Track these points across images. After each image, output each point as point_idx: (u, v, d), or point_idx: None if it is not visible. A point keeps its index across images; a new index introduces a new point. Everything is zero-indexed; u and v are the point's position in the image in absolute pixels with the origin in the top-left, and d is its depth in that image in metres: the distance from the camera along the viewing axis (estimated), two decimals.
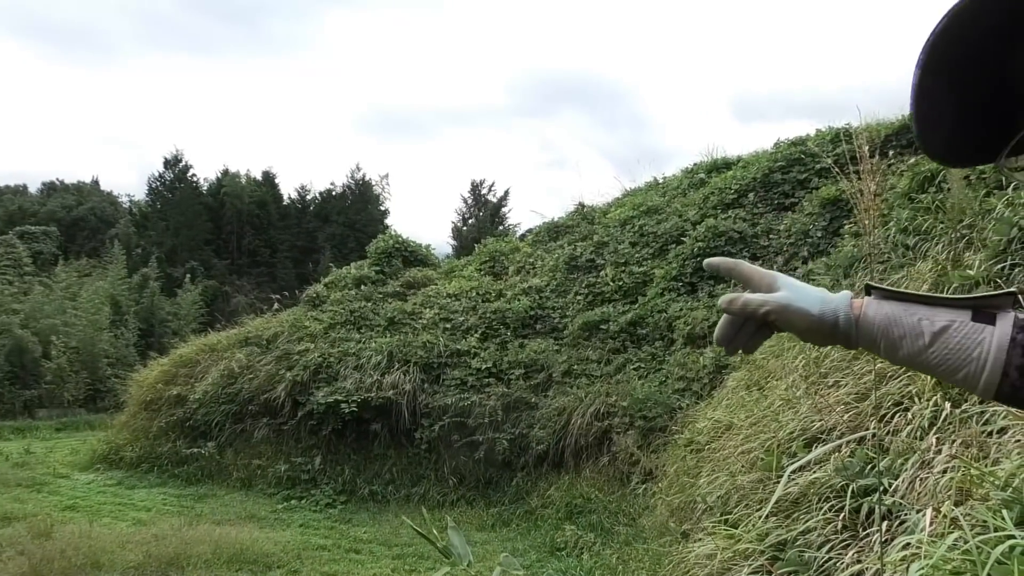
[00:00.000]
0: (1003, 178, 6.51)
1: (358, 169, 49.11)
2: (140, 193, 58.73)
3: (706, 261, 1.05)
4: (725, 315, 0.98)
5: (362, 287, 16.02)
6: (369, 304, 15.20)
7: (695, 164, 16.93)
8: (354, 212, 48.34)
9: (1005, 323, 0.85)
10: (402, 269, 16.94)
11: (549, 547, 8.68)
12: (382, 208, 49.94)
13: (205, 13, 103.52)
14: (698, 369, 10.01)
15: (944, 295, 0.89)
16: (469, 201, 41.56)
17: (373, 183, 49.64)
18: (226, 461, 13.08)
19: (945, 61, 0.54)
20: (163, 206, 48.98)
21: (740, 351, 0.99)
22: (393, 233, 19.36)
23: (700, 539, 5.04)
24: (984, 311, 0.86)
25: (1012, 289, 0.87)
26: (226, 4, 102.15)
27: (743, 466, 5.73)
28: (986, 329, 0.85)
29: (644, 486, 8.83)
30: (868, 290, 0.93)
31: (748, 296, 0.94)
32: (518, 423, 11.84)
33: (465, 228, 38.58)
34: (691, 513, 6.26)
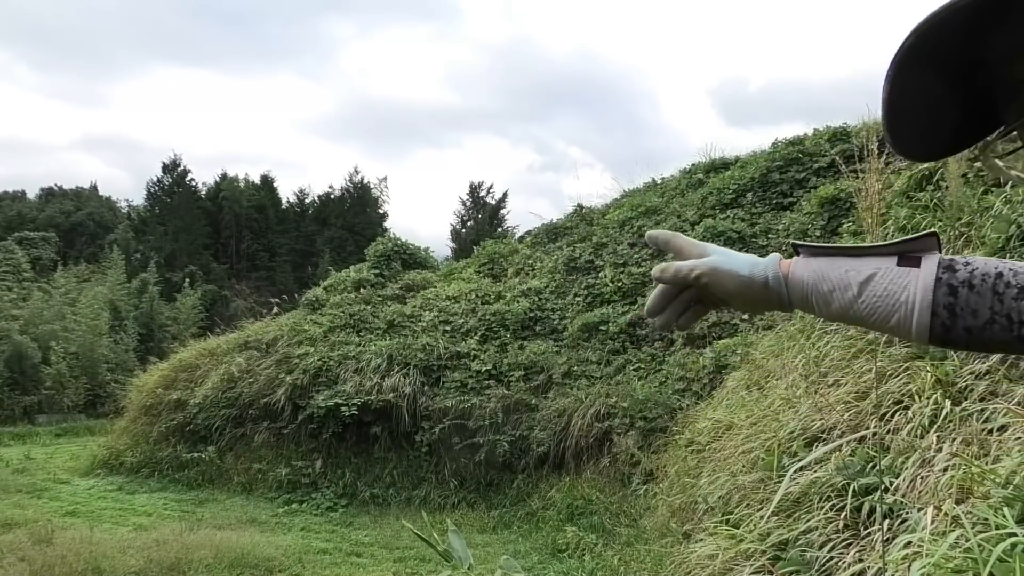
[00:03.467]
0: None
1: (356, 172, 49.05)
2: (138, 198, 58.86)
3: (648, 233, 1.04)
4: (658, 286, 0.98)
5: (361, 290, 16.02)
6: (368, 307, 15.20)
7: (693, 164, 16.94)
8: (353, 215, 48.32)
9: (929, 264, 0.85)
10: (401, 272, 16.94)
11: (550, 549, 8.68)
12: (381, 211, 49.92)
13: (201, 17, 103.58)
14: (698, 369, 10.00)
15: (870, 244, 0.89)
16: (468, 203, 41.58)
17: (372, 186, 49.65)
18: (226, 465, 13.06)
19: (924, 51, 0.53)
20: (162, 211, 48.96)
21: (675, 327, 0.99)
22: (392, 236, 19.37)
23: (701, 539, 5.04)
24: (908, 255, 0.86)
25: (933, 230, 0.86)
26: (222, 8, 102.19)
27: (744, 466, 5.73)
28: (911, 272, 0.85)
29: (645, 487, 8.82)
30: (796, 249, 0.94)
31: (679, 263, 0.95)
32: (518, 425, 11.84)
33: (464, 230, 38.59)
34: (692, 513, 6.25)
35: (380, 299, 15.62)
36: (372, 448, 12.64)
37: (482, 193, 41.16)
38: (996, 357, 4.48)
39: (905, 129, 0.61)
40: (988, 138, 0.60)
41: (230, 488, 12.56)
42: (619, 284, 13.50)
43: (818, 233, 11.23)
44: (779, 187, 13.27)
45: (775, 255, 0.95)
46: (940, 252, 0.87)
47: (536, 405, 11.88)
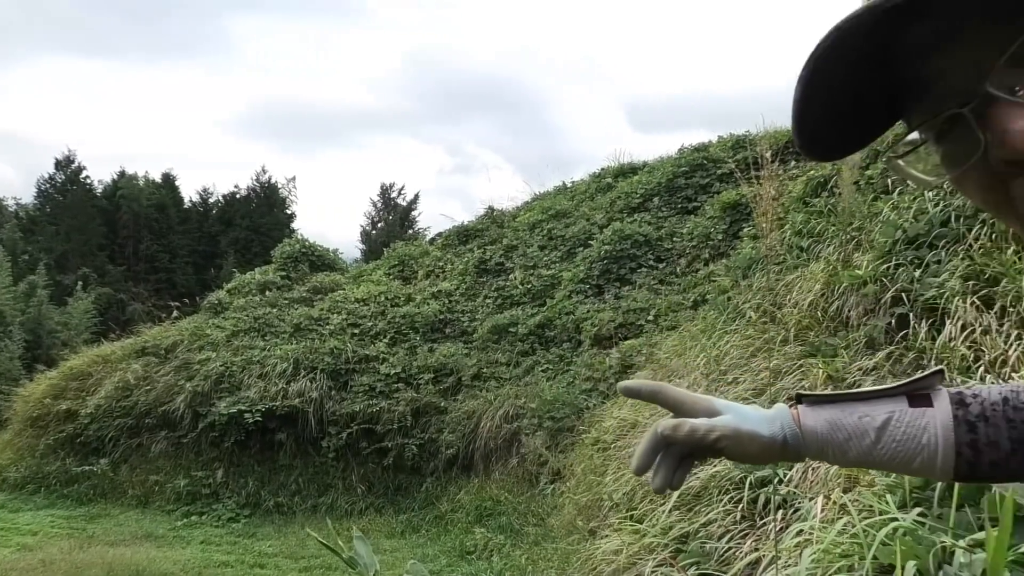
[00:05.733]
0: (889, 182, 6.87)
1: (264, 171, 47.68)
2: (28, 196, 55.54)
3: (622, 385, 0.94)
4: (646, 441, 0.87)
5: (267, 293, 15.61)
6: (274, 310, 14.81)
7: (602, 169, 17.25)
8: (259, 216, 47.02)
9: (942, 403, 0.84)
10: (309, 274, 16.60)
11: (459, 551, 8.64)
12: (288, 212, 48.74)
13: (103, 11, 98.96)
14: (604, 369, 10.16)
15: (876, 387, 0.88)
16: (379, 205, 41.10)
17: (279, 186, 48.41)
18: (121, 478, 12.46)
19: (843, 48, 0.53)
20: (53, 210, 46.39)
21: (669, 488, 0.88)
22: (300, 237, 18.96)
23: (607, 536, 5.10)
24: (918, 395, 0.85)
25: (939, 367, 0.86)
26: (125, 3, 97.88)
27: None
28: (927, 413, 0.84)
29: (552, 486, 8.90)
30: (799, 398, 0.89)
31: (695, 422, 0.85)
32: (427, 428, 11.77)
33: (374, 232, 38.10)
34: (598, 511, 6.34)
35: (286, 302, 15.25)
36: (277, 455, 12.31)
37: (393, 195, 40.76)
38: (882, 353, 4.71)
39: (817, 128, 0.60)
40: (892, 138, 0.61)
41: (124, 502, 11.98)
42: (529, 286, 13.60)
43: (720, 236, 11.59)
44: (684, 192, 13.65)
45: (783, 407, 0.89)
46: (944, 385, 0.86)
47: (446, 408, 11.83)
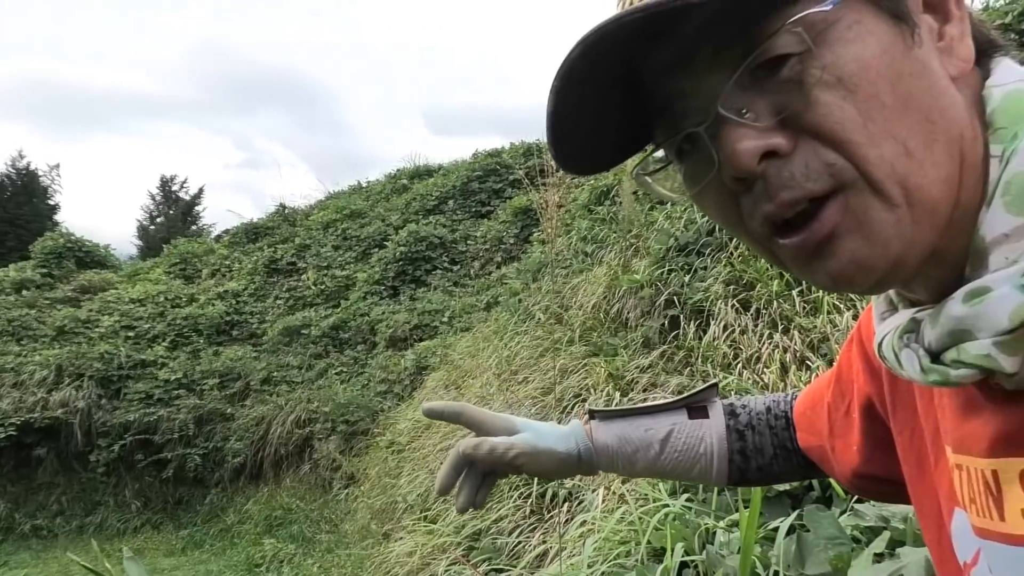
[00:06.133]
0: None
1: (21, 157, 42.64)
2: None
3: (424, 407, 0.95)
4: (448, 461, 0.89)
5: (24, 292, 14.01)
6: (33, 312, 13.33)
7: (398, 170, 17.21)
8: (15, 206, 42.02)
9: (717, 414, 0.93)
10: (75, 272, 15.11)
11: (247, 565, 8.27)
12: (51, 202, 43.96)
13: None
14: (399, 371, 10.16)
15: (659, 402, 0.94)
16: (158, 198, 38.21)
17: (40, 173, 43.59)
18: None
19: (589, 63, 0.53)
20: None
21: (472, 507, 0.91)
22: (64, 231, 17.22)
23: (401, 538, 5.12)
24: (696, 407, 0.93)
25: (713, 382, 0.95)
26: None
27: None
28: (704, 424, 0.92)
29: (347, 491, 8.77)
30: (591, 414, 0.94)
31: (494, 440, 0.88)
32: (212, 436, 11.14)
33: (153, 227, 35.37)
34: (393, 514, 6.33)
35: (48, 302, 13.78)
36: (35, 473, 11.08)
37: (174, 187, 38.05)
38: (656, 352, 5.10)
39: (569, 143, 0.59)
40: (640, 156, 0.61)
41: None
42: (322, 287, 13.29)
43: (512, 240, 11.97)
44: (478, 196, 13.95)
45: (577, 424, 0.94)
46: (719, 398, 0.94)
47: (232, 414, 11.26)
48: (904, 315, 0.57)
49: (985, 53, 0.55)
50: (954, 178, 0.49)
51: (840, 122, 0.47)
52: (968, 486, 0.56)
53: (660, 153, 0.60)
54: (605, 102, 0.57)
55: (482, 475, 0.91)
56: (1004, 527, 0.52)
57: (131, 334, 12.73)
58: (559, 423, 0.95)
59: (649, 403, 0.94)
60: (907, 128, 0.48)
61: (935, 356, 0.52)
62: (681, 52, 0.52)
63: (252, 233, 16.21)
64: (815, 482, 2.28)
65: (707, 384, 0.94)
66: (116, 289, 14.31)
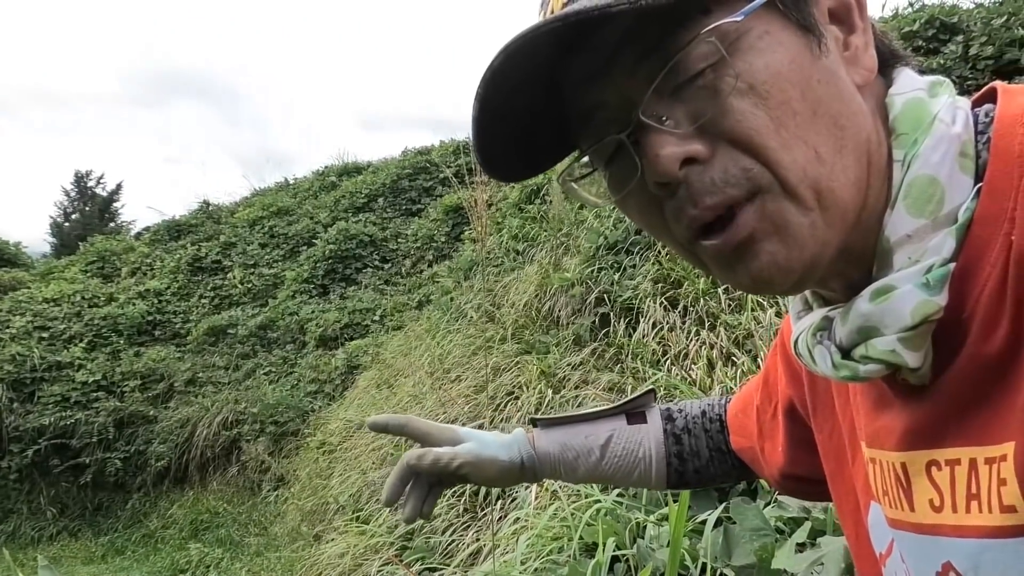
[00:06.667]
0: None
1: None
2: None
3: (369, 421, 0.96)
4: (395, 473, 0.91)
5: None
6: None
7: (326, 167, 16.95)
8: None
9: (654, 419, 0.95)
10: None
11: (171, 571, 8.04)
12: None
13: None
14: (330, 371, 10.03)
15: (598, 408, 0.96)
16: (72, 194, 36.68)
17: None
18: None
19: (511, 71, 0.53)
20: None
21: (419, 517, 0.92)
22: None
23: (333, 539, 5.07)
24: (634, 413, 0.95)
25: (649, 387, 0.98)
26: None
27: (374, 463, 5.88)
28: (642, 429, 0.94)
29: (276, 493, 8.62)
30: (534, 423, 0.97)
31: (438, 451, 0.90)
32: (134, 439, 10.79)
33: (68, 224, 33.94)
34: (324, 515, 6.26)
35: None
36: None
37: (91, 183, 36.62)
38: (587, 350, 5.18)
39: (494, 150, 0.59)
40: (564, 163, 0.62)
41: None
42: (249, 285, 13.01)
43: (443, 239, 11.94)
44: (408, 194, 13.87)
45: (520, 432, 0.95)
46: (656, 403, 0.97)
47: (155, 416, 10.94)
48: (817, 314, 0.59)
49: (888, 63, 0.58)
50: (863, 181, 0.52)
51: (754, 128, 0.50)
52: (882, 479, 0.60)
53: (585, 160, 0.61)
54: (529, 110, 0.58)
55: (428, 485, 0.92)
56: (914, 517, 0.56)
57: (45, 335, 12.21)
58: (503, 431, 0.97)
59: (588, 410, 0.96)
60: (817, 133, 0.50)
61: (846, 352, 0.55)
62: (600, 62, 0.53)
63: (174, 230, 15.74)
64: None
65: (644, 390, 0.97)
66: (28, 288, 13.70)
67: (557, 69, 0.56)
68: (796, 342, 0.62)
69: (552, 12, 0.55)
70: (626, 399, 0.96)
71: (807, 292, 0.63)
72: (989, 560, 0.49)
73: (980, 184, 0.50)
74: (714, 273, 0.56)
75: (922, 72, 0.59)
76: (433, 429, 0.95)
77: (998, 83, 0.56)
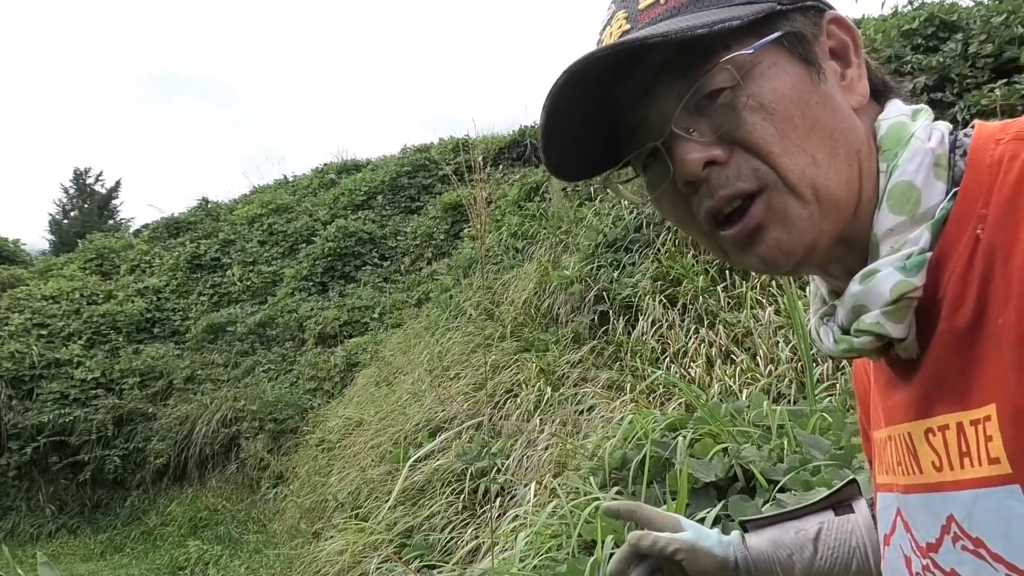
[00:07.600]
0: (592, 189, 7.52)
1: None
2: None
3: (604, 506, 1.08)
4: (623, 550, 0.99)
5: None
6: None
7: (326, 165, 16.92)
8: None
9: (861, 507, 0.98)
10: None
11: (170, 568, 8.04)
12: None
13: None
14: (329, 368, 10.03)
15: (804, 504, 1.00)
16: (71, 191, 36.64)
17: None
18: None
19: (572, 90, 0.64)
20: None
21: None
22: None
23: (331, 536, 5.07)
24: (841, 504, 0.99)
25: (851, 478, 1.00)
26: None
27: (373, 460, 5.89)
28: (850, 519, 0.97)
29: (275, 490, 8.62)
30: (744, 526, 1.01)
31: (658, 534, 0.97)
32: (133, 437, 10.80)
33: (67, 221, 33.91)
34: (323, 512, 6.26)
35: None
36: None
37: (89, 180, 36.60)
38: (586, 347, 5.19)
39: (558, 154, 0.71)
40: (612, 169, 0.74)
41: None
42: (248, 283, 13.01)
43: (442, 236, 11.94)
44: (408, 191, 13.85)
45: (736, 534, 1.00)
46: (860, 494, 1.00)
47: (154, 414, 10.94)
48: (827, 305, 0.72)
49: (881, 93, 0.71)
50: (854, 182, 0.64)
51: (763, 137, 0.62)
52: (895, 452, 0.71)
53: (627, 169, 0.74)
54: (584, 123, 0.69)
55: (650, 571, 0.99)
56: (922, 478, 0.66)
57: (44, 332, 12.22)
58: (724, 532, 1.02)
59: (795, 507, 1.00)
60: (814, 143, 0.63)
61: (845, 331, 0.67)
62: (642, 85, 0.66)
63: (173, 228, 15.73)
64: (740, 472, 2.36)
65: (845, 481, 1.00)
66: (27, 286, 13.70)
67: (609, 93, 0.68)
68: (811, 330, 0.74)
69: (604, 43, 0.69)
70: (829, 491, 1.00)
71: (824, 292, 0.74)
72: (980, 508, 0.58)
73: (957, 188, 0.61)
74: (731, 258, 0.68)
75: (913, 94, 0.67)
76: (658, 516, 1.02)
77: (978, 121, 0.67)
